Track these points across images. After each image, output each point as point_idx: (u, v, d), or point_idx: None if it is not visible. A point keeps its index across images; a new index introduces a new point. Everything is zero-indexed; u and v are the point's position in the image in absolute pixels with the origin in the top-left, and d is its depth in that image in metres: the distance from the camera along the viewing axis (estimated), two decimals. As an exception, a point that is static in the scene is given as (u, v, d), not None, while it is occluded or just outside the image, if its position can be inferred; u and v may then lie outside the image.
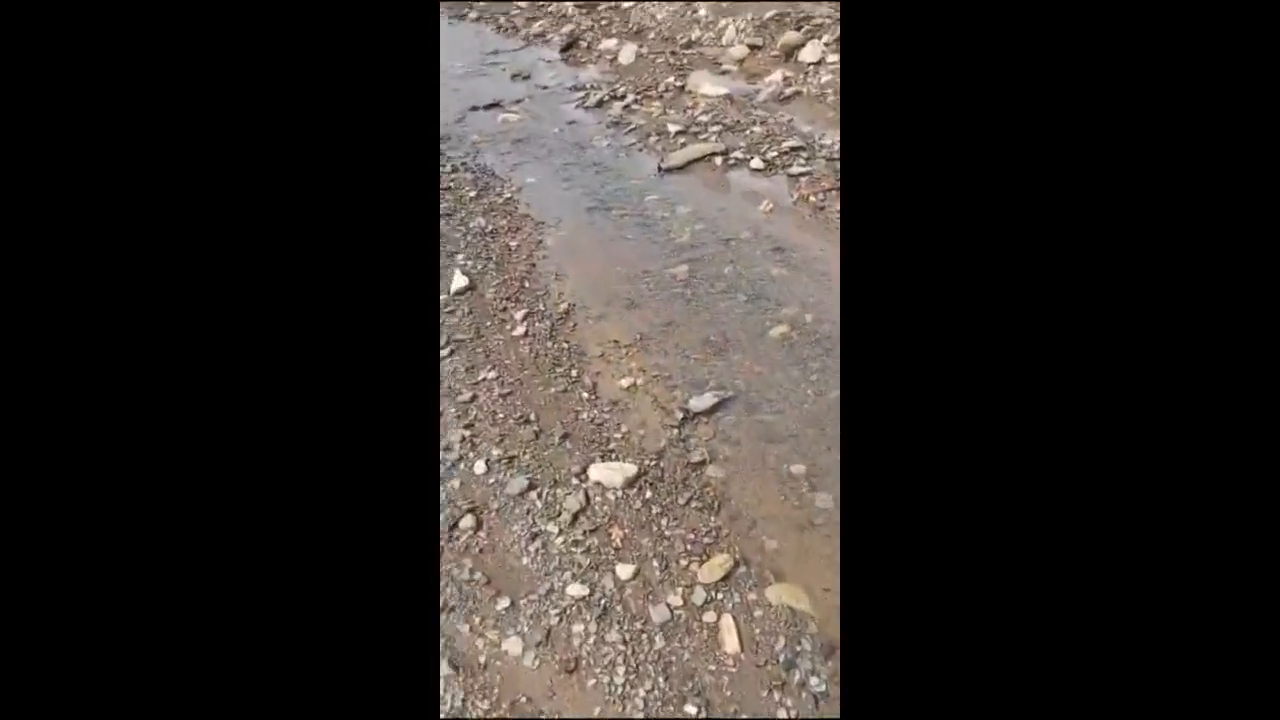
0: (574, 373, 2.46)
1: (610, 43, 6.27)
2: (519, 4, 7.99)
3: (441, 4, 8.74)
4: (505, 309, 2.84)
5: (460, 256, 3.23)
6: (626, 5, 7.02)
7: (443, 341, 2.60)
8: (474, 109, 5.24)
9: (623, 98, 5.07)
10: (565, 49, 6.32)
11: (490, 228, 3.51)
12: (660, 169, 4.00)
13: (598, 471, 2.01)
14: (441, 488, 1.99)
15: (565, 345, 2.61)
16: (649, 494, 1.97)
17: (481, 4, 8.37)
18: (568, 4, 7.52)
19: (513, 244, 3.37)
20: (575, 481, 2.01)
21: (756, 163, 3.87)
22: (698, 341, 2.61)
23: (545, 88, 5.56)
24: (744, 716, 1.48)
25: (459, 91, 5.70)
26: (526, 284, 3.03)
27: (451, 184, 4.01)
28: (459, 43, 7.15)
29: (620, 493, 1.97)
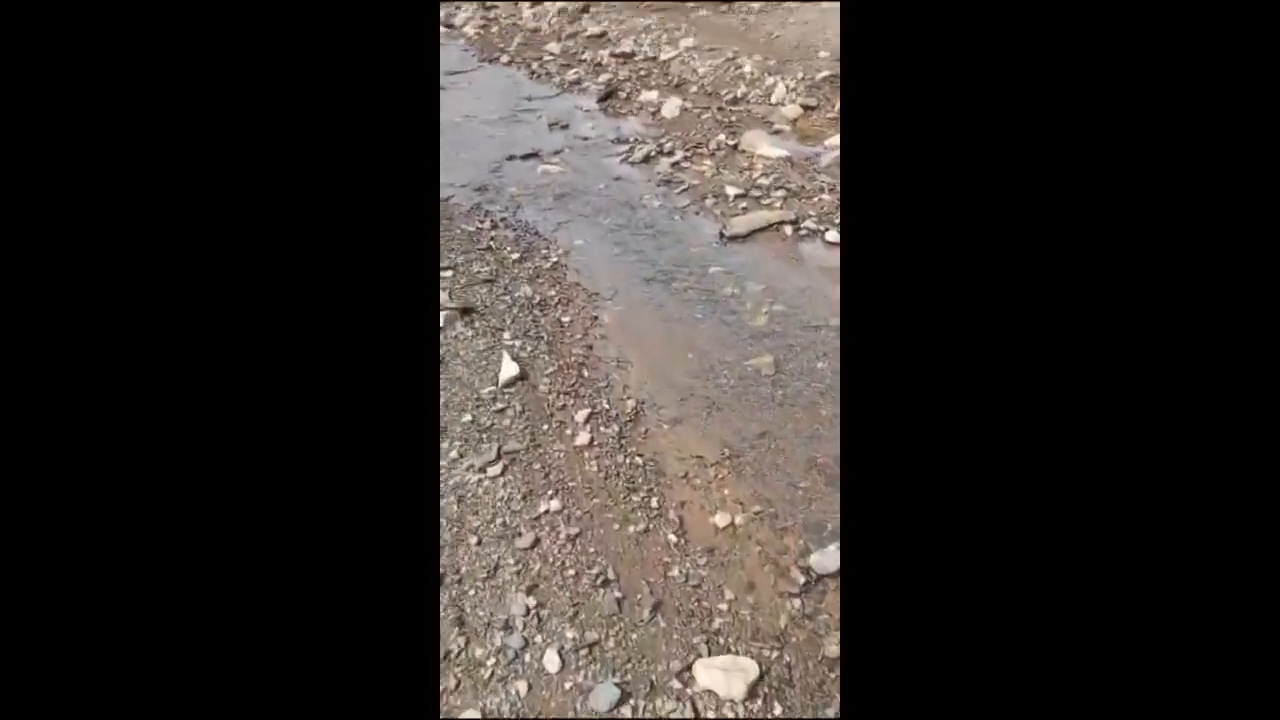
0: (654, 502, 1.92)
1: (650, 94, 5.88)
2: (552, 50, 7.65)
3: (472, 46, 8.42)
4: (564, 406, 2.31)
5: (507, 335, 2.71)
6: (665, 57, 6.67)
7: (493, 454, 2.06)
8: (511, 158, 4.79)
9: (671, 154, 4.62)
10: (603, 99, 5.92)
11: (538, 298, 3.01)
12: (722, 236, 3.53)
13: (706, 673, 1.46)
14: (505, 692, 1.43)
15: (639, 460, 2.08)
16: (778, 709, 1.42)
17: (513, 49, 8.05)
18: (603, 52, 7.18)
19: (565, 319, 2.86)
20: (678, 685, 1.45)
21: (832, 235, 3.40)
22: (803, 462, 2.08)
23: (585, 139, 5.13)
24: None
25: (494, 139, 5.26)
26: (585, 372, 2.51)
27: (492, 244, 3.51)
28: (492, 87, 6.76)
29: (741, 707, 1.41)
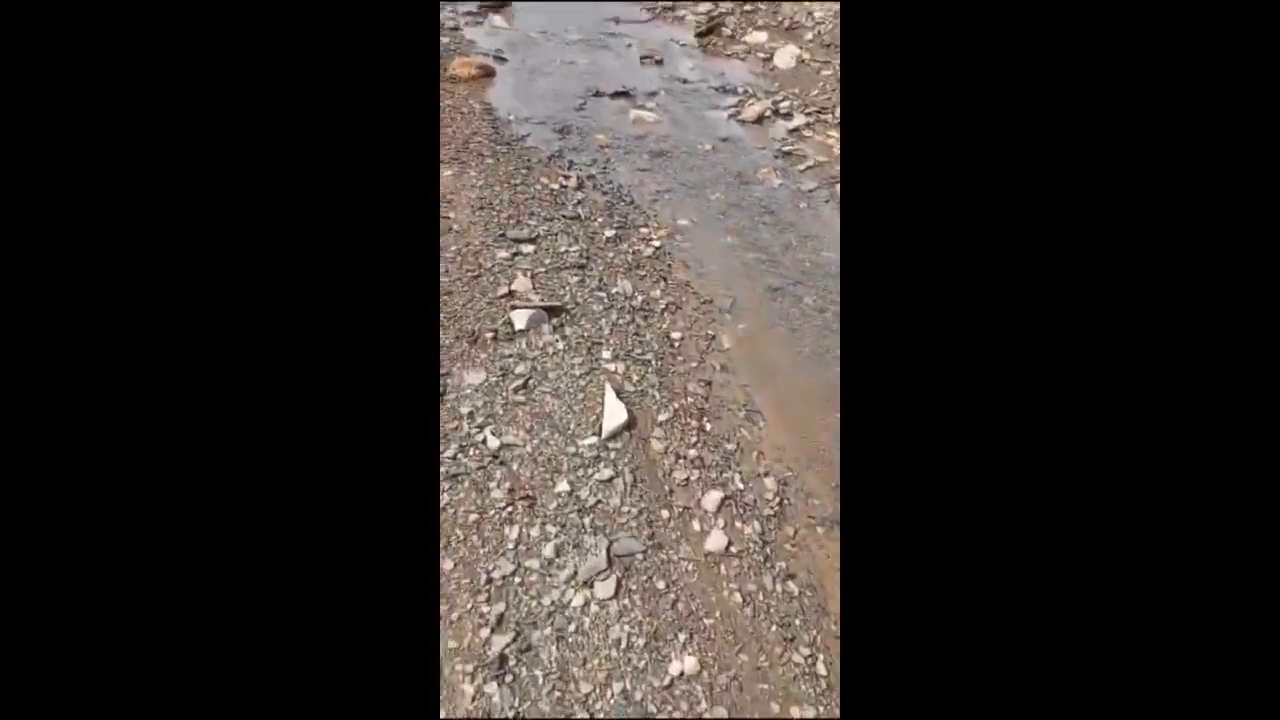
0: (822, 666, 1.37)
1: (758, 36, 5.01)
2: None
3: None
4: (687, 481, 1.72)
5: (607, 353, 2.09)
6: (777, -9, 5.72)
7: (602, 558, 1.48)
8: (597, 95, 4.02)
9: (788, 115, 3.86)
10: (703, 34, 5.06)
11: (640, 299, 2.37)
12: (863, 241, 2.85)
13: None
14: None
15: (792, 587, 1.50)
16: None
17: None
18: (702, -24, 6.20)
19: (675, 335, 2.23)
20: None
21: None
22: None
23: (685, 81, 4.33)
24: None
25: (576, 65, 4.46)
26: (706, 424, 1.91)
27: (580, 211, 2.84)
28: (574, 3, 5.86)
29: None
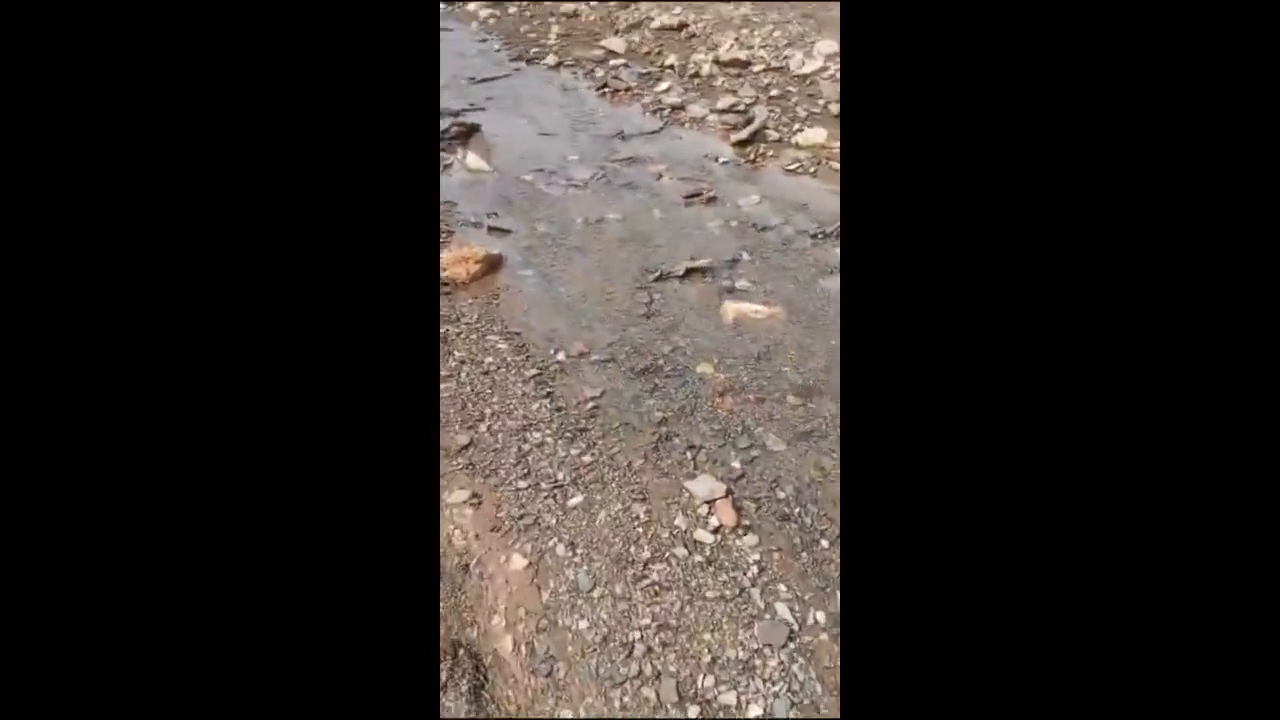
0: None
1: (814, 134, 3.81)
2: (615, 49, 5.43)
3: (491, 35, 6.11)
4: None
5: None
6: (805, 69, 4.56)
7: None
8: (660, 278, 2.71)
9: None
10: (744, 142, 3.83)
11: None
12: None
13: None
14: None
15: None
16: None
17: (555, 43, 5.78)
18: (698, 58, 5.01)
19: None
20: None
21: None
22: None
23: (763, 228, 3.05)
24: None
25: (605, 225, 3.13)
26: None
27: (785, 608, 1.46)
28: (553, 110, 4.53)
29: None
